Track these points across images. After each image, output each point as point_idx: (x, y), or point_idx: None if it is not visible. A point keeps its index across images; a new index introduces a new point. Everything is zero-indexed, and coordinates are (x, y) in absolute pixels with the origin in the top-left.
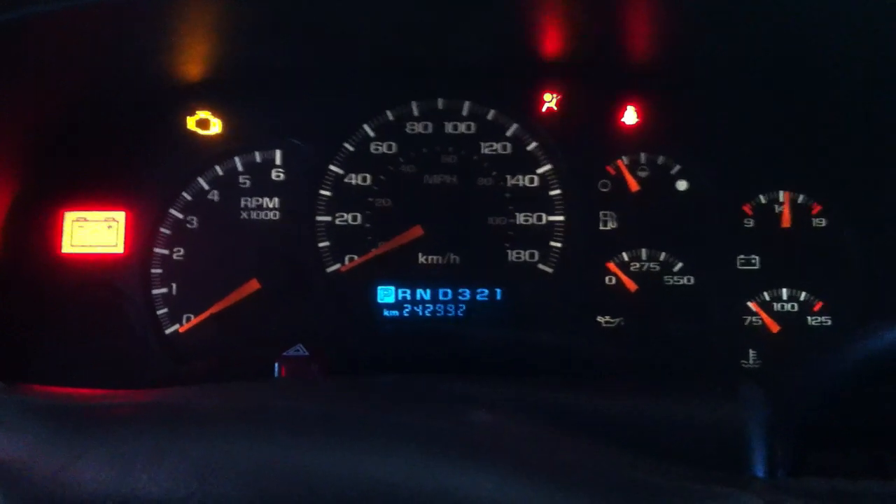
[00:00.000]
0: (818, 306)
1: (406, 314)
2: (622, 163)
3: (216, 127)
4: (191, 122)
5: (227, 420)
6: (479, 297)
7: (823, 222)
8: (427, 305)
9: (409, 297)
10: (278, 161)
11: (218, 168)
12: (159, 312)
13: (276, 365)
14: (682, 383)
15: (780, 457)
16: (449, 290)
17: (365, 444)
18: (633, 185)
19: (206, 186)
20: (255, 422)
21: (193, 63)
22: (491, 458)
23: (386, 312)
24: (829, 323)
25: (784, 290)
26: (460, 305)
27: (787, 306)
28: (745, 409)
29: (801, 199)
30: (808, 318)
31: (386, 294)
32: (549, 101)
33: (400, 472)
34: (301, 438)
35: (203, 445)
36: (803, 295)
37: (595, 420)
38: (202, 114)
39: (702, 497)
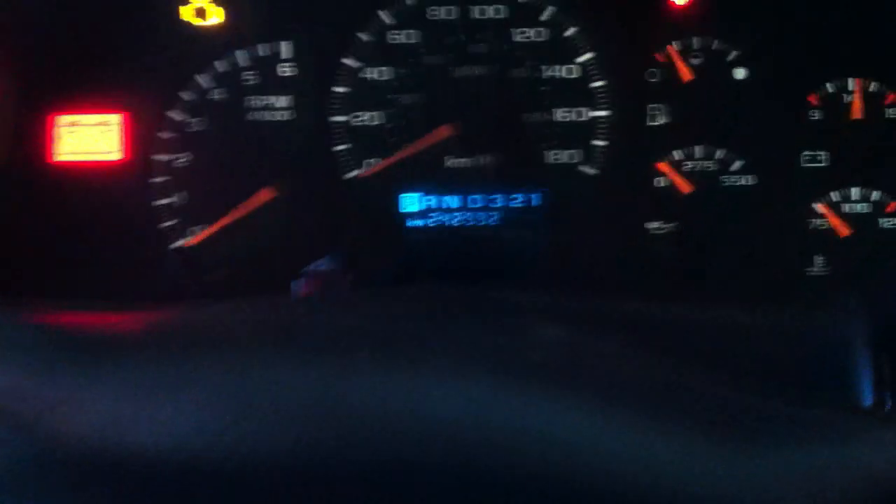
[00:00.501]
0: (892, 206)
1: (432, 223)
2: (673, 48)
3: (215, 16)
4: (186, 12)
5: (265, 343)
6: (513, 204)
7: None
8: (455, 213)
9: (435, 205)
10: (286, 54)
11: (219, 63)
12: (165, 225)
13: (301, 280)
14: (767, 296)
15: (890, 381)
16: (480, 196)
17: (428, 375)
18: (686, 74)
19: (207, 84)
20: (299, 346)
21: None
22: (574, 386)
23: (410, 222)
24: None
25: (854, 190)
26: (493, 213)
27: (858, 207)
28: (847, 323)
29: (873, 86)
30: (881, 219)
31: (410, 202)
32: None
33: (466, 406)
34: (354, 366)
35: (237, 374)
36: (875, 194)
37: (670, 340)
38: (199, 1)
39: (799, 438)
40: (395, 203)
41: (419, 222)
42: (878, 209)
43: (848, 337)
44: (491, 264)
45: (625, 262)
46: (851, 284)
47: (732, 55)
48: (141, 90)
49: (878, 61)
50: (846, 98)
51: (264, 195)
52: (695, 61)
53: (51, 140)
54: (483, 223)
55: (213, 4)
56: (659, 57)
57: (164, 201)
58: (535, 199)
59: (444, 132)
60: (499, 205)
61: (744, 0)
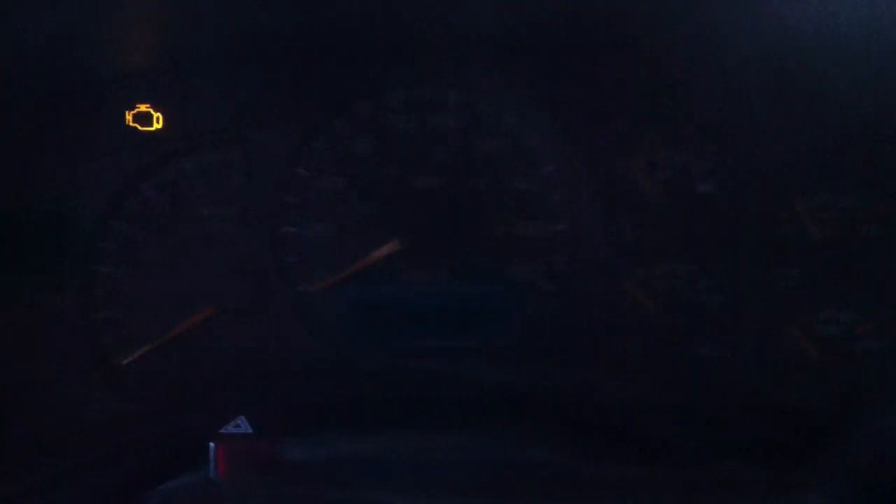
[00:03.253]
0: (865, 330)
1: (390, 339)
2: (639, 160)
3: (159, 122)
4: (129, 118)
5: None
6: (473, 321)
7: (876, 230)
8: (414, 329)
9: (392, 320)
10: (234, 162)
11: (164, 171)
12: (101, 340)
13: (212, 445)
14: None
15: None
16: (437, 313)
17: None
18: (651, 188)
19: (151, 193)
20: None
21: (130, 47)
22: None
23: (365, 339)
24: (880, 349)
25: (828, 311)
26: (452, 329)
27: (831, 329)
28: None
29: (850, 202)
30: (855, 343)
31: (365, 317)
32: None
33: None
34: None
35: None
36: (849, 316)
37: None
38: (142, 108)
39: None
40: (349, 319)
41: (375, 339)
42: (852, 332)
43: None
44: (448, 392)
45: (588, 386)
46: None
47: (699, 167)
48: (82, 197)
49: (856, 174)
50: (821, 213)
51: (207, 310)
52: (660, 174)
53: None
54: (443, 340)
55: (156, 111)
56: (624, 168)
57: (101, 316)
58: (495, 314)
59: (394, 246)
60: (458, 322)
61: (710, 108)
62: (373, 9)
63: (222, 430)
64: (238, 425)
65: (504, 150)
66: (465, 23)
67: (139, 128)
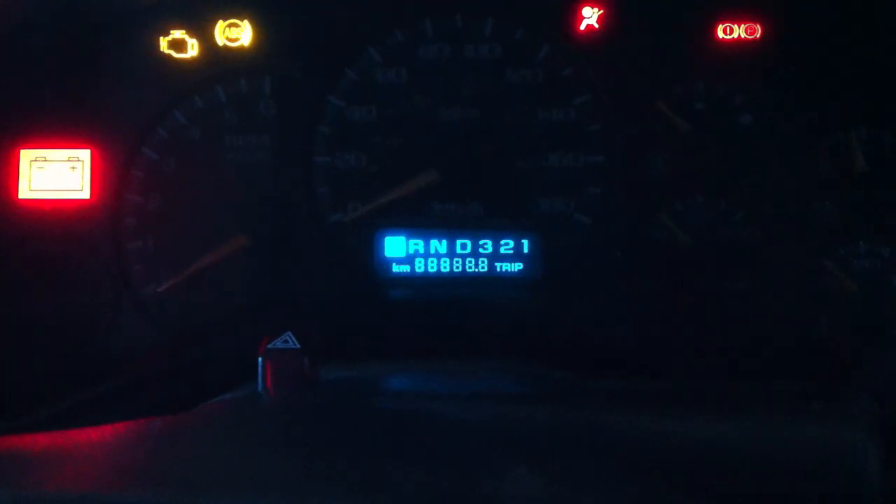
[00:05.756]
0: None
1: (418, 269)
2: (675, 93)
3: (193, 49)
4: (164, 44)
5: None
6: (503, 251)
7: None
8: (443, 259)
9: (421, 250)
10: (268, 91)
11: (198, 99)
12: (132, 270)
13: (261, 360)
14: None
15: None
16: (468, 242)
17: None
18: (688, 120)
19: (184, 121)
20: None
21: None
22: None
23: (395, 268)
24: None
25: (863, 244)
26: (481, 259)
27: (867, 263)
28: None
29: (887, 137)
30: (894, 277)
31: (395, 246)
32: (590, 16)
33: None
34: None
35: None
36: (886, 250)
37: (672, 449)
38: (177, 33)
39: None
40: (380, 248)
41: (404, 268)
42: (890, 266)
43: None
44: (474, 325)
45: (620, 317)
46: (856, 347)
47: (737, 100)
48: (114, 125)
49: (892, 111)
50: (858, 148)
51: (239, 241)
52: (698, 106)
53: (16, 176)
54: (472, 270)
55: (191, 36)
56: (660, 101)
57: (133, 245)
58: (525, 246)
59: (430, 176)
60: (488, 252)
61: (751, 42)
62: None
63: (270, 346)
64: (286, 341)
65: (538, 80)
66: None
67: (173, 55)
